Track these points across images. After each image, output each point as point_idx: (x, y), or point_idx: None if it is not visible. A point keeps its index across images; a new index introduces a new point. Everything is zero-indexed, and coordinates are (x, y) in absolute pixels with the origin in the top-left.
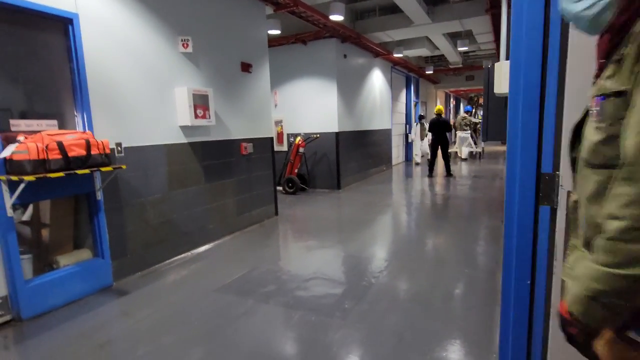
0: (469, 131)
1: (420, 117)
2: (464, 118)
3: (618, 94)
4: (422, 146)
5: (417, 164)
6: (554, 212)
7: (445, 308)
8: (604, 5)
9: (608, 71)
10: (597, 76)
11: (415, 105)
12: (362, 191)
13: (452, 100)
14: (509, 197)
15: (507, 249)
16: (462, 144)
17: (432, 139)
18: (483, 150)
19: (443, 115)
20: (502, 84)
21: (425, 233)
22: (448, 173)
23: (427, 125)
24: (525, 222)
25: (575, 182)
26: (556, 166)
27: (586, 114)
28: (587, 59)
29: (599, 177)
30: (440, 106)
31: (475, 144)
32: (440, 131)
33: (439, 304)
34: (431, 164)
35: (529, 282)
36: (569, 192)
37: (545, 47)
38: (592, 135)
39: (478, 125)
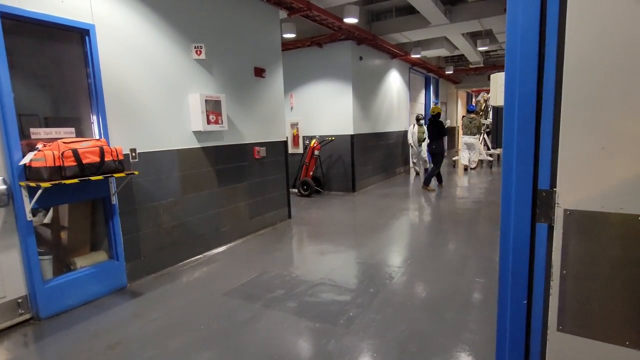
0: (478, 136)
1: (417, 119)
2: (472, 119)
3: None
4: (421, 153)
5: (417, 173)
6: (551, 230)
7: (453, 319)
8: None
9: None
10: None
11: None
12: (377, 194)
13: (474, 100)
14: (504, 214)
15: (503, 267)
16: (468, 150)
17: (428, 144)
18: (499, 158)
19: (440, 117)
20: (497, 96)
21: (440, 240)
22: (425, 184)
23: (425, 128)
24: (521, 240)
25: None
26: (553, 182)
27: None
28: (584, 70)
29: None
30: (437, 106)
31: (489, 149)
32: (433, 135)
33: (448, 315)
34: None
35: (525, 302)
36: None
37: (542, 56)
38: None
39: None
